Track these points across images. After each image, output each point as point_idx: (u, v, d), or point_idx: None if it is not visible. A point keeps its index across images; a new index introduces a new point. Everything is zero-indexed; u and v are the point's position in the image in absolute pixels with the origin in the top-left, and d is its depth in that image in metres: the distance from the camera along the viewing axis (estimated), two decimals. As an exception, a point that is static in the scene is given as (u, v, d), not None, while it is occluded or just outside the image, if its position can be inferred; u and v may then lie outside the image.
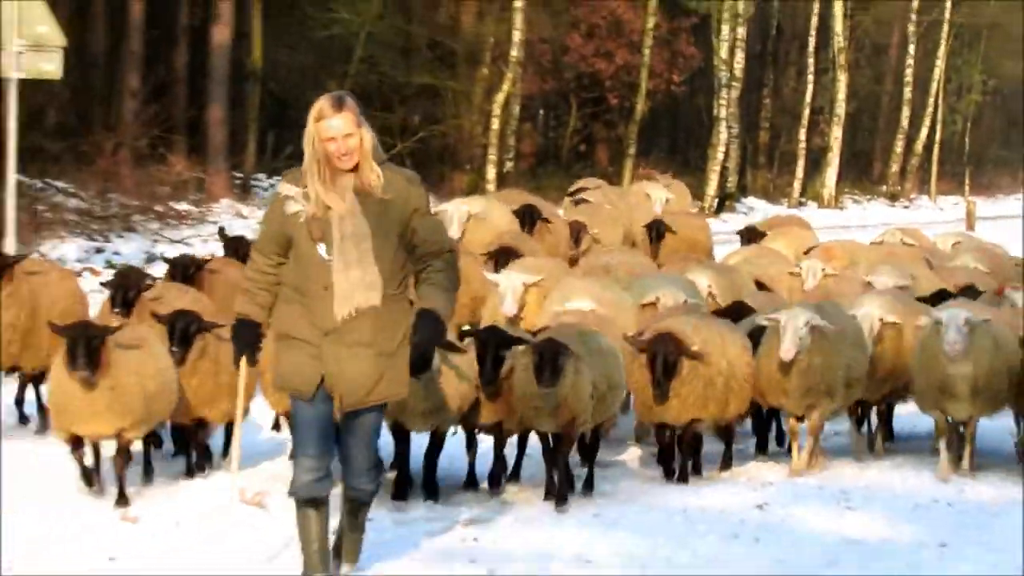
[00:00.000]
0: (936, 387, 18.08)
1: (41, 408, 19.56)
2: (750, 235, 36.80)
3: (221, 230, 31.19)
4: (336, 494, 13.64)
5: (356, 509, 12.95)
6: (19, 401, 18.62)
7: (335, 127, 11.27)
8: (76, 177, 48.20)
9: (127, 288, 20.58)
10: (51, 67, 33.62)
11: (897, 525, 18.23)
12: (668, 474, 20.58)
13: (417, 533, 16.46)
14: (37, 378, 18.44)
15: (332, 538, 13.87)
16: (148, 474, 18.01)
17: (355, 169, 11.47)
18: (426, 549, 16.01)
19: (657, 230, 35.38)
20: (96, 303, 22.84)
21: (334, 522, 13.98)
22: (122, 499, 15.72)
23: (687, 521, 17.96)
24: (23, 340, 16.64)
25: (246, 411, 16.36)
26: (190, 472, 18.76)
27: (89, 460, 16.12)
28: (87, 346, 13.90)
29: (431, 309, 11.74)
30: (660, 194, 41.17)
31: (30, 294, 16.52)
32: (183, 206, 49.74)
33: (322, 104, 11.32)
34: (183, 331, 15.78)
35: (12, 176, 34.61)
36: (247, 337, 12.18)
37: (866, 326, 20.50)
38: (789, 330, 17.91)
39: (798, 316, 18.12)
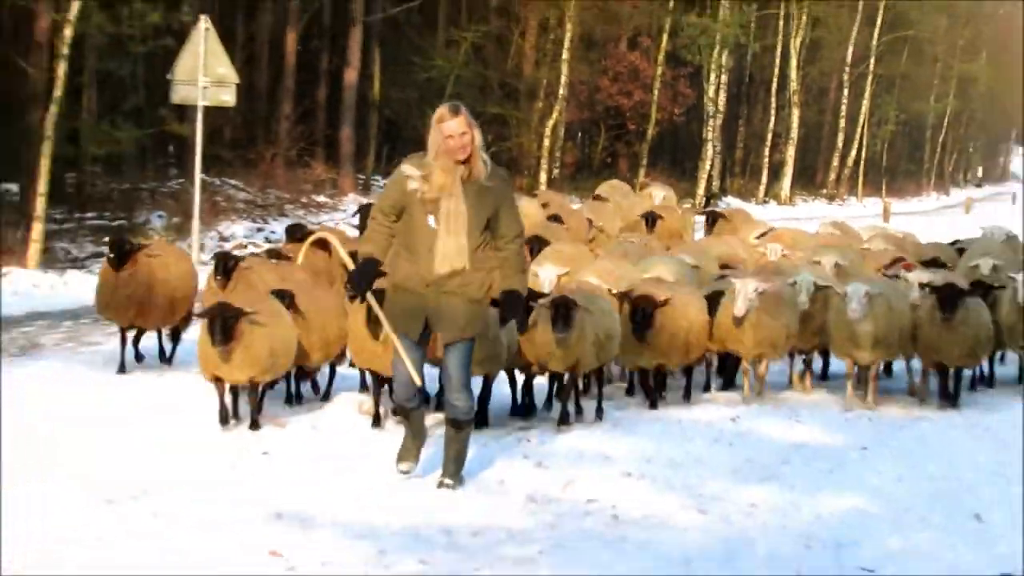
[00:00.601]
0: (846, 340, 19.34)
1: (162, 351, 19.53)
2: (713, 217, 38.15)
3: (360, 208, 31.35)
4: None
5: (454, 425, 13.06)
6: (136, 343, 18.38)
7: (452, 127, 12.01)
8: (244, 177, 50.05)
9: (226, 262, 20.23)
10: (228, 98, 35.09)
11: (832, 434, 19.70)
12: (652, 405, 21.40)
13: (480, 442, 16.59)
14: (172, 332, 18.81)
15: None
16: (288, 401, 18.64)
17: (467, 160, 12.10)
18: (491, 448, 17.12)
19: (651, 219, 36.25)
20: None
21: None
22: (254, 425, 16.13)
23: (681, 430, 19.28)
24: (139, 308, 16.91)
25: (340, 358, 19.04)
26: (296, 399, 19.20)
27: (228, 398, 16.24)
28: (223, 325, 14.22)
29: (515, 290, 12.69)
30: (660, 192, 43.78)
31: (148, 274, 16.67)
32: (321, 198, 51.70)
33: (442, 110, 12.33)
34: (223, 324, 14.43)
35: (198, 176, 35.90)
36: (369, 270, 12.68)
37: (804, 289, 20.90)
38: (741, 294, 18.76)
39: (748, 283, 19.02)
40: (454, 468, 12.88)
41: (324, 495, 14.06)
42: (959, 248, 30.05)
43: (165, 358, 19.94)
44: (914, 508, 14.71)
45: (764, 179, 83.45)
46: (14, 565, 8.73)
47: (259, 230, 43.92)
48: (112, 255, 16.26)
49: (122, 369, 18.91)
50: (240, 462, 15.81)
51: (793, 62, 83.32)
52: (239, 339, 14.60)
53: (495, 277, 12.84)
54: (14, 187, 38.61)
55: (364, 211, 27.76)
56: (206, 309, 15.50)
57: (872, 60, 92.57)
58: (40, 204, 34.89)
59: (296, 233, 27.32)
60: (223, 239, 39.07)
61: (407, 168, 12.43)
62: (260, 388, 16.09)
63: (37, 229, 34.23)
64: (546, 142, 61.38)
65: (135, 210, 42.27)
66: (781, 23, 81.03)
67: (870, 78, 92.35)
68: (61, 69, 35.12)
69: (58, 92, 35.02)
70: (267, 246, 32.75)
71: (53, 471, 14.90)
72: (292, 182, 52.09)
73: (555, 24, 61.01)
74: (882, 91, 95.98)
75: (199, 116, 34.47)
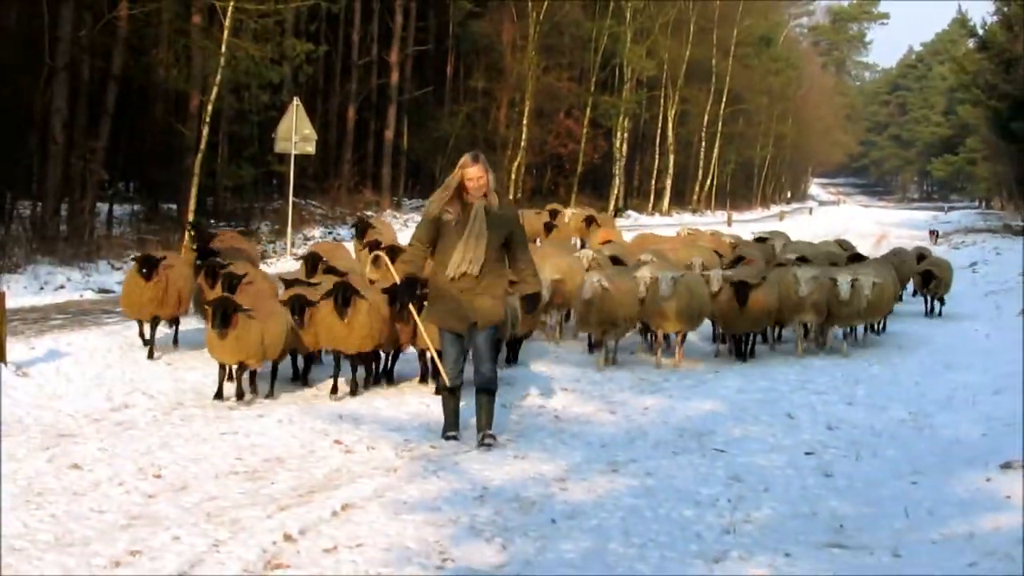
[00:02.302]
0: (656, 314, 17.66)
1: (176, 339, 17.79)
2: (589, 221, 36.46)
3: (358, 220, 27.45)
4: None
5: (485, 391, 11.92)
6: (152, 335, 16.75)
7: (473, 172, 11.34)
8: (320, 199, 49.35)
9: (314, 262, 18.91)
10: (310, 149, 35.09)
11: (695, 363, 18.70)
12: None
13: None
14: (171, 321, 17.37)
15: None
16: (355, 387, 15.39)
17: (485, 196, 11.44)
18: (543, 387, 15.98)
19: (590, 220, 35.71)
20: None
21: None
22: (240, 397, 14.18)
23: (663, 376, 17.25)
24: (159, 305, 16.25)
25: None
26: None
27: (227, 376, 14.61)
28: (223, 314, 13.28)
29: (534, 293, 11.99)
30: (569, 211, 39.70)
31: (166, 280, 16.16)
32: (368, 213, 44.56)
33: (466, 158, 11.47)
34: (223, 313, 13.31)
35: (291, 198, 36.27)
36: (413, 288, 11.94)
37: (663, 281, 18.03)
38: (662, 282, 16.97)
39: (666, 273, 17.18)
40: (487, 424, 11.91)
41: (369, 409, 14.01)
42: (759, 238, 29.40)
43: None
44: (749, 409, 14.68)
45: (652, 199, 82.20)
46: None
47: (329, 232, 43.36)
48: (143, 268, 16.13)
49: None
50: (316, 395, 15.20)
51: (670, 125, 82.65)
52: (233, 328, 13.64)
53: (508, 280, 12.37)
54: (174, 206, 38.06)
55: (357, 225, 26.08)
56: (211, 300, 14.42)
57: (720, 123, 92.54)
58: (190, 217, 34.55)
59: (361, 228, 25.09)
60: (307, 239, 37.44)
61: (435, 204, 11.69)
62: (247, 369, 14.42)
63: (188, 234, 33.34)
64: (513, 176, 59.08)
65: (251, 221, 41.33)
66: (662, 100, 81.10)
67: (718, 135, 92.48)
68: (205, 130, 34.81)
69: (202, 145, 34.81)
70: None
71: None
72: (350, 202, 50.69)
73: (519, 101, 61.12)
74: (726, 143, 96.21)
75: (291, 160, 34.05)
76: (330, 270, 17.22)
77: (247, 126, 41.13)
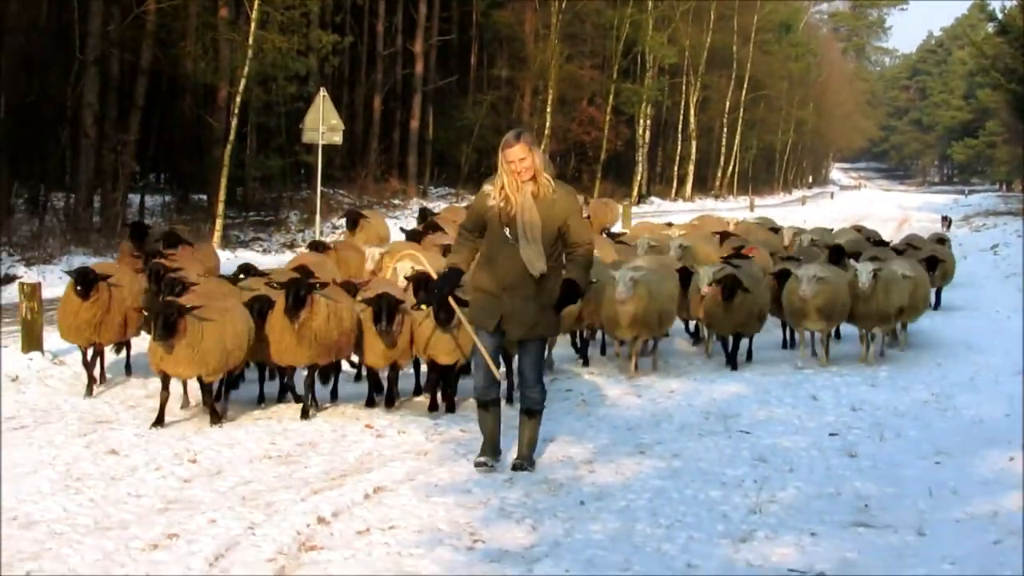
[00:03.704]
0: (611, 319, 15.61)
1: (128, 366, 15.04)
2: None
3: (422, 212, 27.16)
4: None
5: (528, 413, 10.69)
6: (100, 362, 14.49)
7: (514, 153, 10.00)
8: (347, 188, 49.20)
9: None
10: (337, 139, 34.23)
11: (719, 350, 17.28)
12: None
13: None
14: (118, 346, 14.81)
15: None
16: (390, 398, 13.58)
17: (533, 179, 10.08)
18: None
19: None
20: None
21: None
22: (214, 417, 12.25)
23: (624, 350, 16.86)
24: (97, 329, 13.56)
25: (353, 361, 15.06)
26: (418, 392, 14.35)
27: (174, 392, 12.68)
28: (166, 321, 11.40)
29: (573, 279, 10.30)
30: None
31: (108, 298, 13.45)
32: (396, 201, 50.15)
33: (507, 137, 10.21)
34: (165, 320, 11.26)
35: (319, 188, 35.39)
36: (453, 278, 10.58)
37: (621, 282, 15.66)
38: (620, 282, 15.19)
39: (625, 272, 15.36)
40: (528, 451, 10.69)
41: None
42: (773, 228, 26.99)
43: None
44: (773, 391, 14.60)
45: (675, 185, 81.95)
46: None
47: (335, 229, 40.92)
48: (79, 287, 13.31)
49: None
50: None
51: (692, 111, 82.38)
52: (182, 336, 11.56)
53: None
54: (204, 197, 38.28)
55: (348, 215, 25.25)
56: (147, 305, 13.31)
57: (741, 110, 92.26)
58: (220, 207, 34.85)
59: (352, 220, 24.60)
60: (335, 228, 37.26)
61: (487, 188, 10.41)
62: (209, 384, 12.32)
63: (218, 223, 34.05)
64: (539, 160, 58.87)
65: (280, 210, 41.59)
66: (684, 87, 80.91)
67: (739, 121, 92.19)
68: (233, 122, 34.96)
69: (231, 136, 34.94)
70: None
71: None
72: (377, 191, 51.02)
73: (542, 90, 60.91)
74: (747, 129, 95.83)
75: (319, 150, 33.48)
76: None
77: (275, 117, 41.38)
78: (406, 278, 13.63)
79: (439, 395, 13.56)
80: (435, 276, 11.66)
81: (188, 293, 12.57)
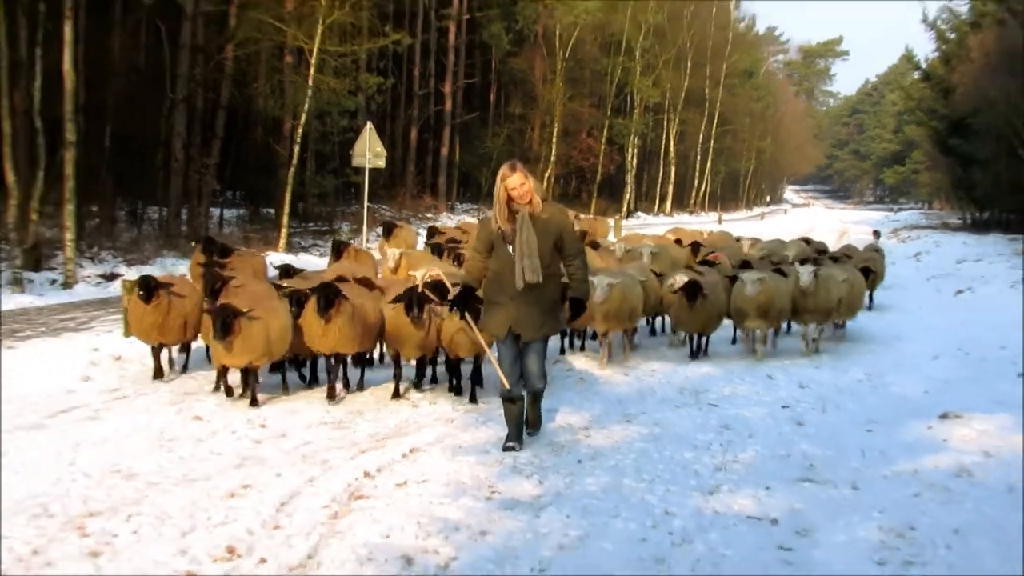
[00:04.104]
0: (587, 316, 14.15)
1: (186, 366, 13.74)
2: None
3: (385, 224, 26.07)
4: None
5: (534, 399, 10.39)
6: (170, 358, 13.68)
7: (515, 180, 9.62)
8: (389, 203, 49.10)
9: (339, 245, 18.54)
10: (381, 163, 33.49)
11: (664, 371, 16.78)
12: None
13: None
14: (183, 347, 13.85)
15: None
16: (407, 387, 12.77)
17: (529, 202, 9.67)
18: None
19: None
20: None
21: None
22: (254, 402, 11.75)
23: (617, 339, 15.61)
24: (160, 330, 12.95)
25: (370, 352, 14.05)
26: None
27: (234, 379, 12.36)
28: (223, 322, 11.18)
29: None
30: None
31: (168, 304, 12.83)
32: (428, 215, 49.71)
33: (504, 169, 9.79)
34: (224, 320, 11.06)
35: (365, 204, 34.55)
36: (467, 294, 10.23)
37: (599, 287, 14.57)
38: (598, 287, 14.26)
39: (603, 279, 14.54)
40: (533, 421, 10.42)
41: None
42: (736, 237, 26.27)
43: None
44: (736, 372, 14.52)
45: (657, 202, 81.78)
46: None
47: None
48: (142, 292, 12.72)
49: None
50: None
51: (671, 142, 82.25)
52: (237, 333, 11.36)
53: (562, 286, 10.33)
54: (271, 210, 38.07)
55: (385, 225, 24.41)
56: (210, 308, 12.01)
57: (712, 141, 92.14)
58: (285, 219, 34.57)
59: (387, 229, 23.94)
60: (378, 236, 35.90)
61: (490, 215, 10.02)
62: (255, 371, 11.89)
63: (283, 232, 33.84)
64: (544, 185, 58.45)
65: (333, 222, 41.29)
66: (665, 122, 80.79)
67: (711, 150, 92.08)
68: (295, 149, 34.57)
69: (294, 161, 34.59)
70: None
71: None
72: (413, 206, 50.80)
73: (548, 123, 61.00)
74: (717, 157, 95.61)
75: (366, 173, 33.30)
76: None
77: (329, 145, 41.08)
78: (424, 284, 12.86)
79: (455, 381, 13.08)
80: (446, 280, 11.77)
81: (234, 295, 12.37)
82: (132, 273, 22.18)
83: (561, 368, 14.70)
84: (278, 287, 13.11)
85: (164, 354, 13.68)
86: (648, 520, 8.00)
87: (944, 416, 11.38)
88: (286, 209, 34.66)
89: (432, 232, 23.37)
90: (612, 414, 11.74)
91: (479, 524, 7.88)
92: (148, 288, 12.63)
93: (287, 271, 15.20)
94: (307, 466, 9.38)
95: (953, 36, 66.51)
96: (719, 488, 8.86)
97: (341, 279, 13.18)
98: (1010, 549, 7.36)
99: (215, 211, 37.86)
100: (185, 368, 13.89)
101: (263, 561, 7.04)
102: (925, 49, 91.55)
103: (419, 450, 10.01)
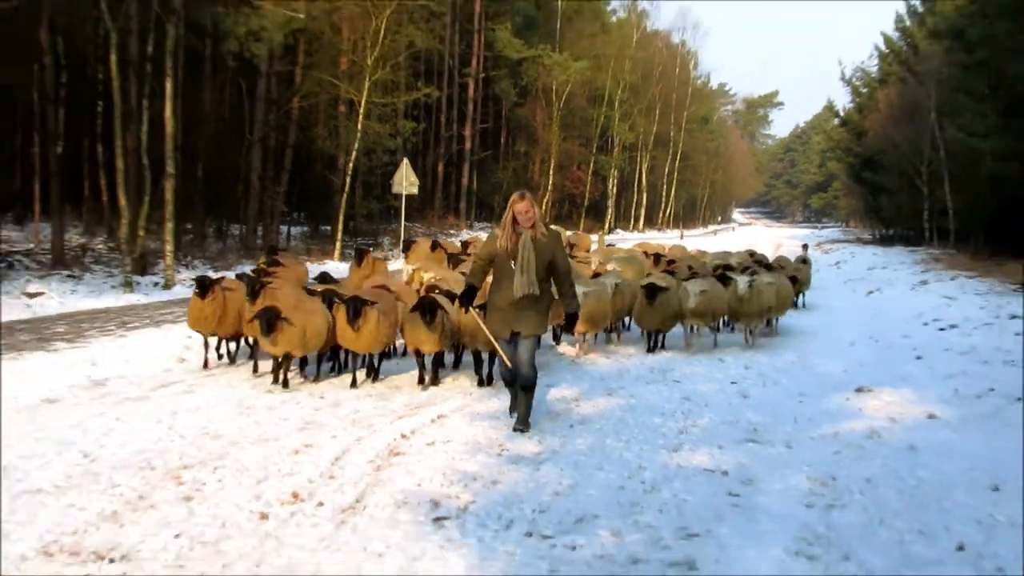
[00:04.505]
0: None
1: (232, 351, 13.11)
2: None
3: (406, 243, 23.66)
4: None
5: (525, 389, 9.64)
6: (218, 347, 13.02)
7: (523, 207, 9.31)
8: (421, 223, 48.65)
9: (253, 284, 14.17)
10: (414, 190, 33.61)
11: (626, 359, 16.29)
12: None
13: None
14: (231, 338, 12.85)
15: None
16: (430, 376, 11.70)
17: (532, 226, 9.35)
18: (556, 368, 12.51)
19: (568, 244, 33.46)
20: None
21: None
22: (284, 384, 11.20)
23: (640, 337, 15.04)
24: (218, 323, 12.26)
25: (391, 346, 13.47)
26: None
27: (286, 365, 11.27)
28: (267, 322, 10.72)
29: (572, 312, 9.64)
30: (568, 232, 34.56)
31: (223, 299, 12.29)
32: (451, 232, 48.49)
33: (515, 196, 9.43)
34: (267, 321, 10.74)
35: (402, 223, 35.42)
36: (471, 295, 9.70)
37: (610, 285, 14.51)
38: (578, 290, 11.26)
39: (578, 288, 11.48)
40: (524, 415, 9.65)
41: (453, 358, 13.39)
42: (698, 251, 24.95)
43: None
44: (696, 359, 14.36)
45: (632, 221, 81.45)
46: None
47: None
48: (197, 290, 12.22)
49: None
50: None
51: (643, 174, 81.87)
52: (279, 330, 11.06)
53: (552, 296, 9.77)
54: (328, 227, 37.71)
55: (406, 243, 22.46)
56: (258, 311, 11.30)
57: (676, 173, 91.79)
58: (339, 235, 34.52)
59: (407, 245, 22.21)
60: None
61: (494, 233, 9.67)
62: (291, 359, 11.39)
63: (337, 245, 33.89)
64: (543, 208, 58.66)
65: (377, 237, 41.19)
66: (639, 158, 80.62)
67: (675, 181, 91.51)
68: (347, 179, 34.56)
69: (346, 188, 34.57)
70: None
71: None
72: (440, 225, 50.61)
73: (546, 159, 61.06)
74: (679, 186, 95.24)
75: (403, 199, 33.31)
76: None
77: (374, 176, 40.89)
78: (428, 288, 12.60)
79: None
80: (443, 283, 11.47)
81: (270, 297, 11.81)
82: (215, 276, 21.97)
83: (556, 353, 14.54)
84: (311, 292, 12.61)
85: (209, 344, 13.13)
86: (625, 472, 8.00)
87: (859, 390, 11.42)
88: (339, 227, 34.60)
89: (434, 244, 22.58)
90: (597, 389, 11.69)
91: (491, 475, 7.88)
92: (203, 286, 12.20)
93: (324, 278, 14.88)
94: (356, 429, 9.37)
95: (865, 91, 67.04)
96: (681, 447, 8.84)
97: (374, 288, 12.80)
98: (911, 495, 7.39)
99: (284, 228, 37.89)
100: (232, 359, 13.29)
101: (320, 504, 7.06)
102: (843, 100, 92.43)
103: (444, 417, 10.00)
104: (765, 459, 8.44)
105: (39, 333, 14.99)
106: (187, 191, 28.70)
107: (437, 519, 6.82)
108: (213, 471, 7.84)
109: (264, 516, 6.84)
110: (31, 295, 19.28)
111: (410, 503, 7.13)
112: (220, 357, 13.02)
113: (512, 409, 9.89)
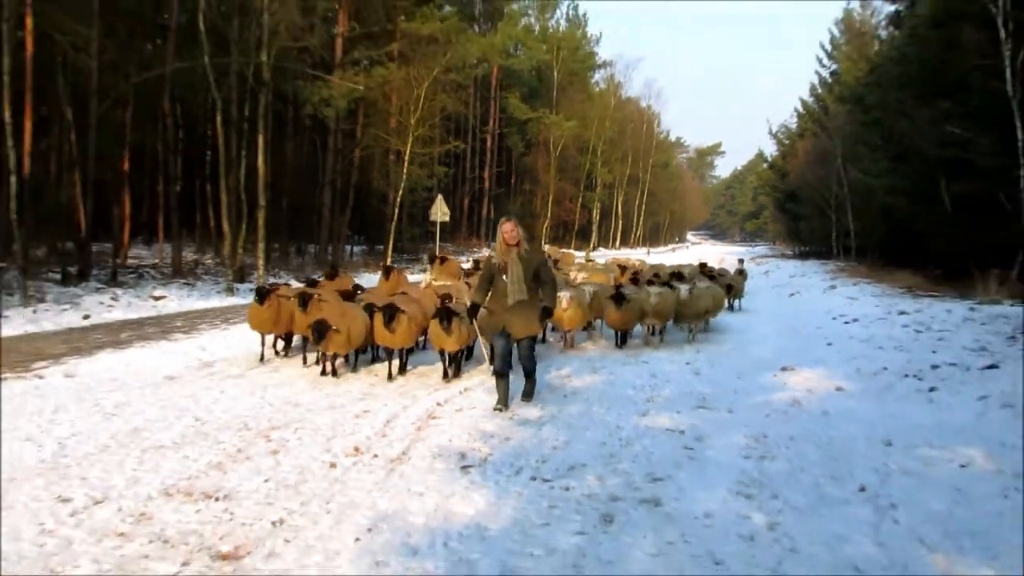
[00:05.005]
0: (559, 319, 12.83)
1: (287, 347, 12.21)
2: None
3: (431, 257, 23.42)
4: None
5: (528, 375, 9.34)
6: (274, 344, 12.24)
7: (507, 229, 8.98)
8: (451, 243, 48.17)
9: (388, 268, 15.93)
10: (446, 219, 32.52)
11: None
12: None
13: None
14: (283, 335, 12.11)
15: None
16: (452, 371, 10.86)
17: (516, 245, 8.97)
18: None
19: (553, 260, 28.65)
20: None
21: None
22: (334, 373, 10.61)
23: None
24: (273, 323, 11.45)
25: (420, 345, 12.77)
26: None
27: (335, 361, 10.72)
28: (319, 332, 10.05)
29: (547, 306, 8.99)
30: (552, 249, 39.10)
31: (278, 305, 11.49)
32: (474, 251, 46.69)
33: (502, 220, 9.06)
34: (318, 330, 10.23)
35: (437, 244, 34.05)
36: (476, 310, 9.16)
37: (588, 291, 13.58)
38: (564, 295, 12.56)
39: (566, 291, 12.85)
40: (529, 392, 9.33)
41: (478, 350, 13.38)
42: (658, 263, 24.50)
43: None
44: (661, 349, 14.23)
45: (611, 241, 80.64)
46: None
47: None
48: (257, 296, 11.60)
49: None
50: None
51: (619, 206, 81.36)
52: (330, 337, 10.17)
53: (538, 302, 9.01)
54: (381, 247, 37.47)
55: (431, 257, 20.98)
56: (314, 321, 10.87)
57: (644, 205, 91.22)
58: (389, 254, 34.30)
59: (431, 259, 20.99)
60: (442, 261, 36.44)
61: (492, 254, 9.31)
62: (337, 355, 10.75)
63: (388, 260, 33.59)
64: (543, 231, 58.14)
65: (418, 255, 40.82)
66: (616, 194, 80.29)
67: (643, 211, 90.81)
68: (396, 211, 34.25)
69: (395, 218, 34.33)
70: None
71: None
72: (467, 245, 50.36)
73: (546, 195, 60.78)
74: (647, 215, 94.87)
75: (438, 226, 32.64)
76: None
77: (416, 207, 40.45)
78: (444, 297, 12.03)
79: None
80: (453, 290, 10.88)
81: (317, 309, 11.13)
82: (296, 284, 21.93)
83: (550, 345, 14.39)
84: (349, 298, 12.12)
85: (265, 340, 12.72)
86: (606, 431, 7.96)
87: (783, 369, 11.33)
88: (389, 246, 34.43)
89: (432, 257, 21.51)
90: (584, 369, 11.60)
91: (505, 433, 7.86)
92: (261, 293, 11.60)
93: (359, 288, 14.23)
94: (402, 399, 9.31)
95: (787, 142, 67.06)
96: (649, 412, 8.79)
97: (402, 295, 12.32)
98: (824, 449, 7.35)
99: (347, 247, 37.73)
100: (286, 352, 12.55)
101: (375, 456, 7.06)
102: (770, 149, 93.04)
103: (470, 390, 9.94)
104: (712, 421, 8.38)
105: (162, 327, 14.97)
106: (274, 219, 28.66)
107: (464, 467, 6.80)
108: (294, 431, 7.82)
109: (332, 465, 6.81)
110: (156, 298, 19.32)
111: (443, 455, 7.11)
112: (276, 353, 12.31)
113: (499, 402, 8.91)
